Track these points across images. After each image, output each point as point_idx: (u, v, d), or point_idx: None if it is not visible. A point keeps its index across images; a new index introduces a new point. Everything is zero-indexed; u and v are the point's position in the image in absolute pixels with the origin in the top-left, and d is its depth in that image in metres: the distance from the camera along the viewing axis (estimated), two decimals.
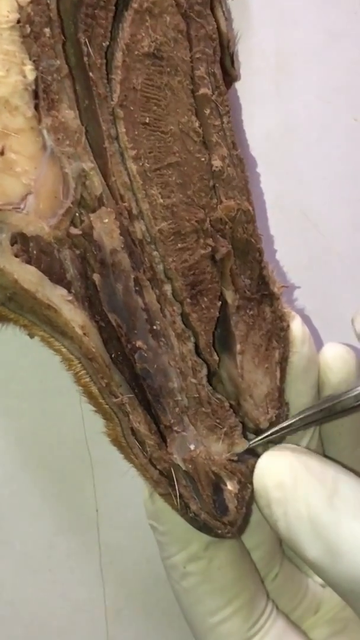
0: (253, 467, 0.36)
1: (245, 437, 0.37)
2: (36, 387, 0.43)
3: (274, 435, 0.37)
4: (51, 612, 0.44)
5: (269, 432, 0.37)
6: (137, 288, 0.35)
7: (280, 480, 0.34)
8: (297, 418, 0.37)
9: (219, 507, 0.35)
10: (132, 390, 0.35)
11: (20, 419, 0.43)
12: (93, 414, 0.36)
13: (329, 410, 0.36)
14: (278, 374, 0.38)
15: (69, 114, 0.34)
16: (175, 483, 0.35)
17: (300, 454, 0.35)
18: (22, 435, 0.43)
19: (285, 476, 0.34)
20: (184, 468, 0.35)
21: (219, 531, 0.35)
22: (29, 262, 0.33)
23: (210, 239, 0.37)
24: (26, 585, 0.44)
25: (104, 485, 0.44)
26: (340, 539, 0.32)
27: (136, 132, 0.35)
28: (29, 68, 0.33)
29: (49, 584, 0.44)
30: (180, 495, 0.35)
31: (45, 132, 0.34)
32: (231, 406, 0.37)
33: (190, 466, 0.35)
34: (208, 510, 0.35)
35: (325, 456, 0.39)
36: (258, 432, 0.38)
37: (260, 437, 0.37)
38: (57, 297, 0.34)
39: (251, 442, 0.37)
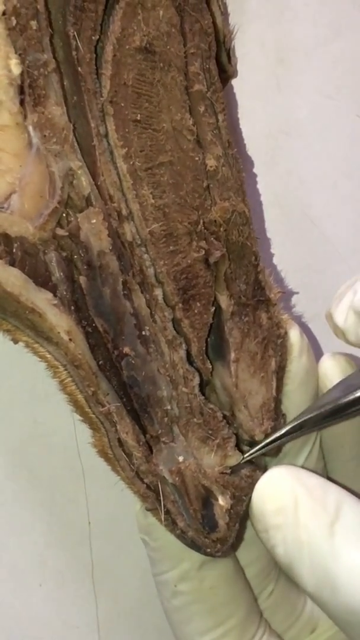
0: (248, 478, 0.34)
1: (240, 449, 0.36)
2: (26, 395, 0.42)
3: (271, 445, 0.36)
4: (41, 629, 0.43)
5: (266, 441, 0.36)
6: (125, 292, 0.34)
7: (281, 505, 0.33)
8: (292, 425, 0.35)
9: (207, 523, 0.33)
10: (120, 399, 0.34)
11: (10, 428, 0.42)
12: None
13: (327, 414, 0.35)
14: (274, 384, 0.37)
15: (56, 110, 0.33)
16: (162, 498, 0.33)
17: (301, 475, 0.34)
18: (11, 445, 0.42)
19: (286, 501, 0.33)
20: (170, 480, 0.33)
21: (208, 549, 0.34)
22: (12, 264, 0.32)
23: (204, 242, 0.35)
24: (16, 601, 0.43)
25: (96, 496, 0.43)
26: (338, 570, 0.30)
27: (127, 130, 0.34)
28: (14, 62, 0.32)
29: (39, 599, 0.43)
30: (168, 511, 0.33)
31: (31, 128, 0.32)
32: (225, 417, 0.36)
33: (177, 479, 0.33)
34: (196, 526, 0.33)
35: (329, 478, 0.38)
36: (253, 444, 0.36)
37: (256, 448, 0.36)
38: (42, 300, 0.32)
39: (246, 455, 0.36)
